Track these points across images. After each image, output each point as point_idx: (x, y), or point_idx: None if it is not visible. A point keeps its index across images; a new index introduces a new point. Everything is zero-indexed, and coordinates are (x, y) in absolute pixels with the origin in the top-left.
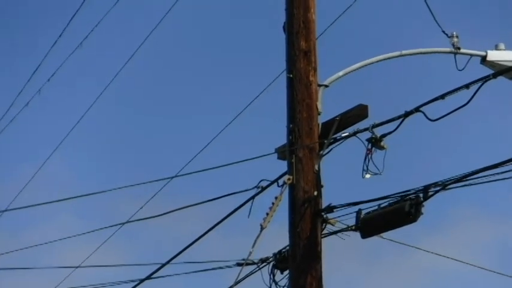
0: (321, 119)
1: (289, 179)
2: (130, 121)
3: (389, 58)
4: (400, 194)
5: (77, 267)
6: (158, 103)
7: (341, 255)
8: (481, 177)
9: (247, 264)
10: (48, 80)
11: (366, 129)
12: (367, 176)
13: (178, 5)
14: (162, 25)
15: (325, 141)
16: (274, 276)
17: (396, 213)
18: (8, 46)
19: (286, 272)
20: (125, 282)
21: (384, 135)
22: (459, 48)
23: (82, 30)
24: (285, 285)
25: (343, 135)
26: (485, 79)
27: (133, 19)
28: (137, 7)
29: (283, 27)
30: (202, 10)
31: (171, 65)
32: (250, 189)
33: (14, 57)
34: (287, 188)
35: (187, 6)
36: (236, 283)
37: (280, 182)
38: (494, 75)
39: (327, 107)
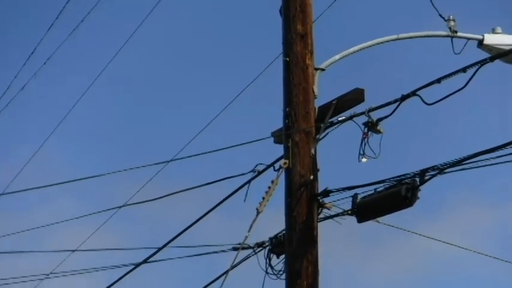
0: (318, 103)
1: (285, 163)
2: (127, 105)
3: (386, 42)
4: (397, 178)
5: (73, 250)
6: (155, 87)
7: (337, 240)
8: (478, 161)
9: (243, 248)
10: (45, 63)
11: (362, 113)
12: (364, 160)
13: None
14: (157, 9)
15: (322, 125)
16: (270, 260)
17: (392, 197)
18: (3, 30)
19: (282, 256)
20: (122, 266)
21: (380, 119)
22: (456, 32)
23: (77, 13)
24: (281, 270)
25: (340, 119)
26: (482, 63)
27: (128, 4)
28: None
29: (280, 10)
30: None
31: (167, 49)
32: (247, 173)
33: (10, 40)
34: (283, 172)
35: None
36: (232, 267)
37: (277, 166)
38: (491, 59)
39: (324, 91)
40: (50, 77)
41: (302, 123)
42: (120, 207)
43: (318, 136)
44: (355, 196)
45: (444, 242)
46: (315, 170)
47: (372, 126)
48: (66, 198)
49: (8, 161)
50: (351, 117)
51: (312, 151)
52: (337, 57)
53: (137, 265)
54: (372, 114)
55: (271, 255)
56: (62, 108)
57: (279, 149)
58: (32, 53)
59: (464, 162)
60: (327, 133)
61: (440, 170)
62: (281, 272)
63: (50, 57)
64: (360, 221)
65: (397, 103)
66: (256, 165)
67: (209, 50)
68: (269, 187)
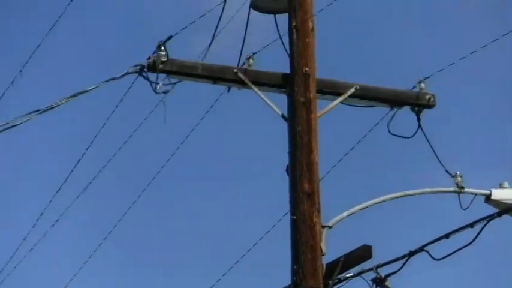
0: (326, 260)
1: None
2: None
3: (393, 198)
4: None
5: None
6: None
7: None
8: None
9: None
10: (53, 225)
11: (370, 270)
12: None
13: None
14: None
15: (330, 281)
16: None
17: None
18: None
19: None
20: None
21: (388, 275)
22: (463, 188)
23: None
24: None
25: (348, 275)
26: (489, 218)
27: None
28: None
29: (286, 170)
30: (209, 144)
31: (174, 208)
32: None
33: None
34: None
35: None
36: None
37: None
38: (499, 214)
39: (331, 247)
40: (59, 237)
41: (310, 281)
42: None
43: None
44: None
45: None
46: None
47: (380, 282)
48: None
49: None
50: (358, 274)
51: None
52: (344, 214)
53: None
54: (380, 270)
55: None
56: (68, 268)
57: None
58: (41, 216)
59: None
60: None
61: None
62: None
63: (59, 218)
64: None
65: (405, 259)
66: None
67: (214, 207)
68: None
